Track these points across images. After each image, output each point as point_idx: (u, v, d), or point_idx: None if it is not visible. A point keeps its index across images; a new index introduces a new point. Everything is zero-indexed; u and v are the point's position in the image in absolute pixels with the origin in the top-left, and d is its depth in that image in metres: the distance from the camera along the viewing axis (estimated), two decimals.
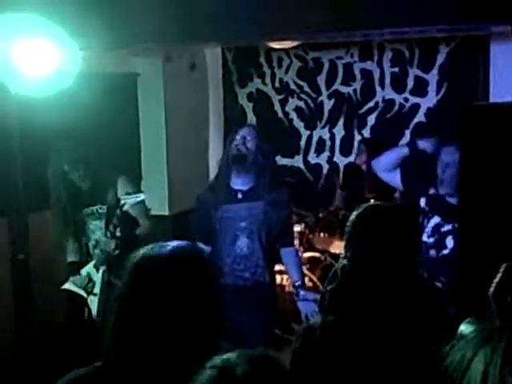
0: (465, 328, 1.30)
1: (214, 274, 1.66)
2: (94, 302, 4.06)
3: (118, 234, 3.94)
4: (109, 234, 3.95)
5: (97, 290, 4.06)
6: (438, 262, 3.70)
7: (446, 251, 3.70)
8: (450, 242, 3.63)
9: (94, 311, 4.05)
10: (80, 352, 3.70)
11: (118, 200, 3.94)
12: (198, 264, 1.64)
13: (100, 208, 4.13)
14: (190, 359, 1.50)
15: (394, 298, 1.96)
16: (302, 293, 3.88)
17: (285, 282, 5.48)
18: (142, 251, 1.62)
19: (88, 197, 4.15)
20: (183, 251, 1.63)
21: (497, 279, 1.85)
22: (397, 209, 2.33)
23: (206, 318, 1.58)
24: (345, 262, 2.07)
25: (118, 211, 3.87)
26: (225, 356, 1.23)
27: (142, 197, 3.89)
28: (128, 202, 3.83)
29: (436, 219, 3.76)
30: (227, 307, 3.75)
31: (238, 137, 3.91)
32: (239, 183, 3.93)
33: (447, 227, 3.68)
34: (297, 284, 3.93)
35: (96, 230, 4.15)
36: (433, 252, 3.73)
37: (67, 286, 4.14)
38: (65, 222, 4.14)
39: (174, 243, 1.64)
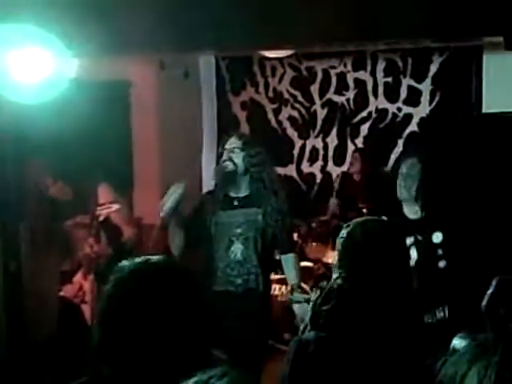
0: (458, 342, 1.29)
1: (197, 285, 1.64)
2: (86, 311, 4.05)
3: (102, 238, 3.94)
4: (93, 240, 3.94)
5: (88, 298, 4.05)
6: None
7: (411, 263, 3.67)
8: (413, 253, 3.59)
9: (88, 319, 4.04)
10: (73, 361, 3.67)
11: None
12: (180, 276, 1.63)
13: (82, 218, 4.10)
14: (179, 368, 1.49)
15: (390, 315, 1.95)
16: (294, 294, 3.89)
17: (277, 292, 5.47)
18: (124, 264, 1.61)
19: (70, 208, 4.12)
20: (162, 264, 1.62)
21: (489, 292, 1.85)
22: (387, 225, 2.31)
23: (192, 329, 1.57)
24: (339, 281, 2.05)
25: (95, 222, 3.86)
26: (212, 372, 1.21)
27: (115, 207, 3.88)
28: (102, 212, 3.83)
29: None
30: (219, 314, 3.77)
31: (225, 152, 3.93)
32: (235, 192, 3.96)
33: (409, 240, 3.64)
34: (293, 282, 3.95)
35: (82, 239, 4.13)
36: None
37: (63, 293, 4.12)
38: (47, 234, 4.12)
39: (153, 258, 1.63)
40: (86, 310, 4.08)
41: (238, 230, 3.88)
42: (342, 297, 1.98)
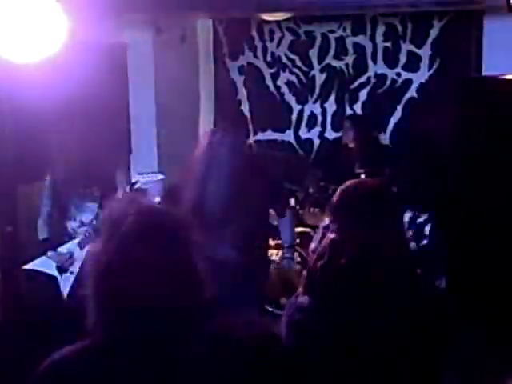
0: None
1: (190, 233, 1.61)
2: (67, 281, 4.00)
3: None
4: None
5: (74, 268, 4.00)
6: (419, 253, 3.70)
7: (425, 241, 3.69)
8: (427, 230, 3.62)
9: (66, 290, 3.99)
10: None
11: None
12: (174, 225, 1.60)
13: (96, 191, 4.09)
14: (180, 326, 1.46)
15: (384, 268, 1.93)
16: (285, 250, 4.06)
17: (274, 257, 5.47)
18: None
19: (83, 178, 4.10)
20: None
21: None
22: (380, 183, 2.31)
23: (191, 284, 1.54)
24: (333, 235, 2.03)
25: (128, 189, 3.82)
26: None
27: (159, 177, 3.89)
28: (141, 180, 3.80)
29: (408, 213, 3.75)
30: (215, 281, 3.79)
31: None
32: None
33: (423, 217, 3.66)
34: (285, 245, 4.08)
35: (87, 211, 4.11)
36: (413, 244, 3.73)
37: (31, 266, 4.06)
38: (53, 199, 4.12)
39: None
40: (69, 280, 4.02)
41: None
42: (334, 250, 1.96)
